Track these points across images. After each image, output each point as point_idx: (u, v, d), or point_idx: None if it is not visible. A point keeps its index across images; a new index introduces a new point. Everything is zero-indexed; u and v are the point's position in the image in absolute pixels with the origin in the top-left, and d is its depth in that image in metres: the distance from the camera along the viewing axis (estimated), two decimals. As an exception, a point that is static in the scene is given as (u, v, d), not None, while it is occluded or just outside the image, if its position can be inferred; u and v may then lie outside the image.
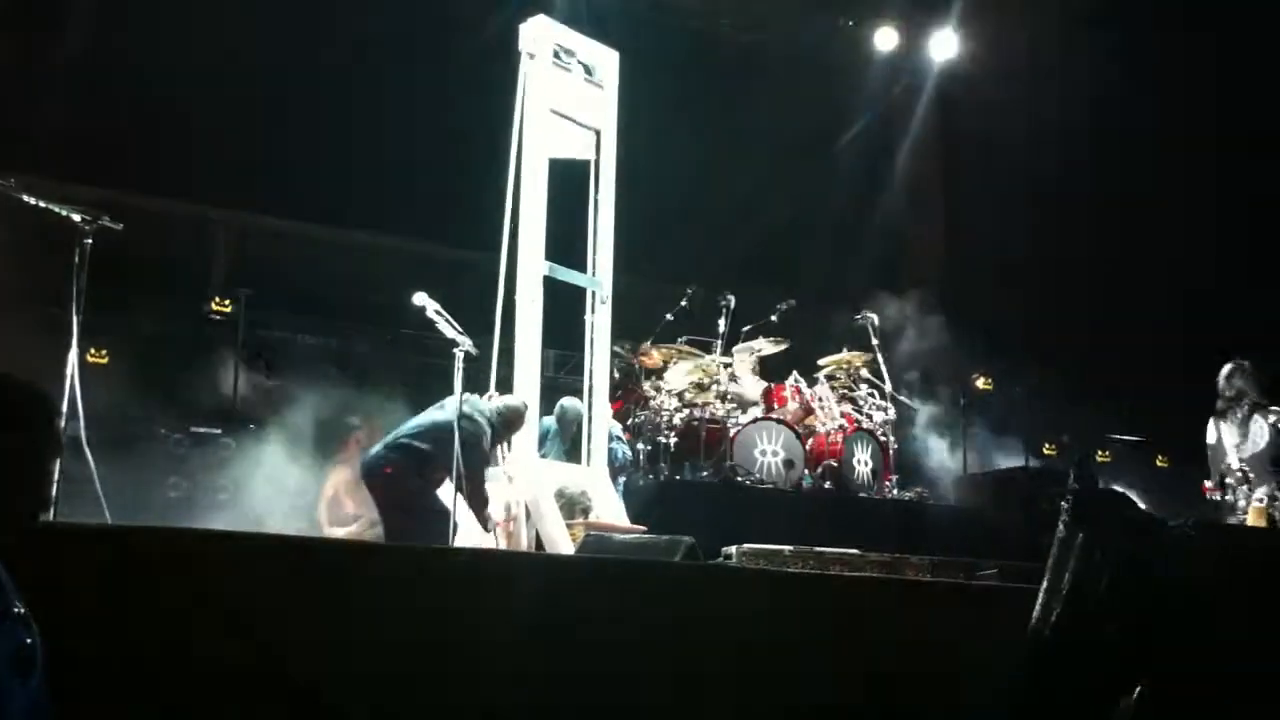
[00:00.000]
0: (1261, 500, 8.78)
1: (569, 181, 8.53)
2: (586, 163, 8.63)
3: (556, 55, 8.41)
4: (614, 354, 9.42)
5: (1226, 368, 8.86)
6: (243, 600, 4.15)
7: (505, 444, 7.75)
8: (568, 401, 9.16)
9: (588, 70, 8.58)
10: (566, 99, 8.42)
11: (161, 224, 10.39)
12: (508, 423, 7.62)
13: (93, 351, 9.27)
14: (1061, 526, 4.07)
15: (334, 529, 9.85)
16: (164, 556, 4.12)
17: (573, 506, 7.74)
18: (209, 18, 10.53)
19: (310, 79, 10.84)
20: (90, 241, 6.24)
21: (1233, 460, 8.78)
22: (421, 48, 11.66)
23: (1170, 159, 12.24)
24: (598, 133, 8.66)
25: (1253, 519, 8.85)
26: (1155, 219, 12.54)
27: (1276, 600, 4.10)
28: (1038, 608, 4.00)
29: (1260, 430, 8.65)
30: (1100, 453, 11.61)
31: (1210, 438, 8.94)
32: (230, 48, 10.72)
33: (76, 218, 6.24)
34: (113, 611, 3.87)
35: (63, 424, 5.82)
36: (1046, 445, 11.84)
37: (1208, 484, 8.96)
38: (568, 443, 8.98)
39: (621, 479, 9.25)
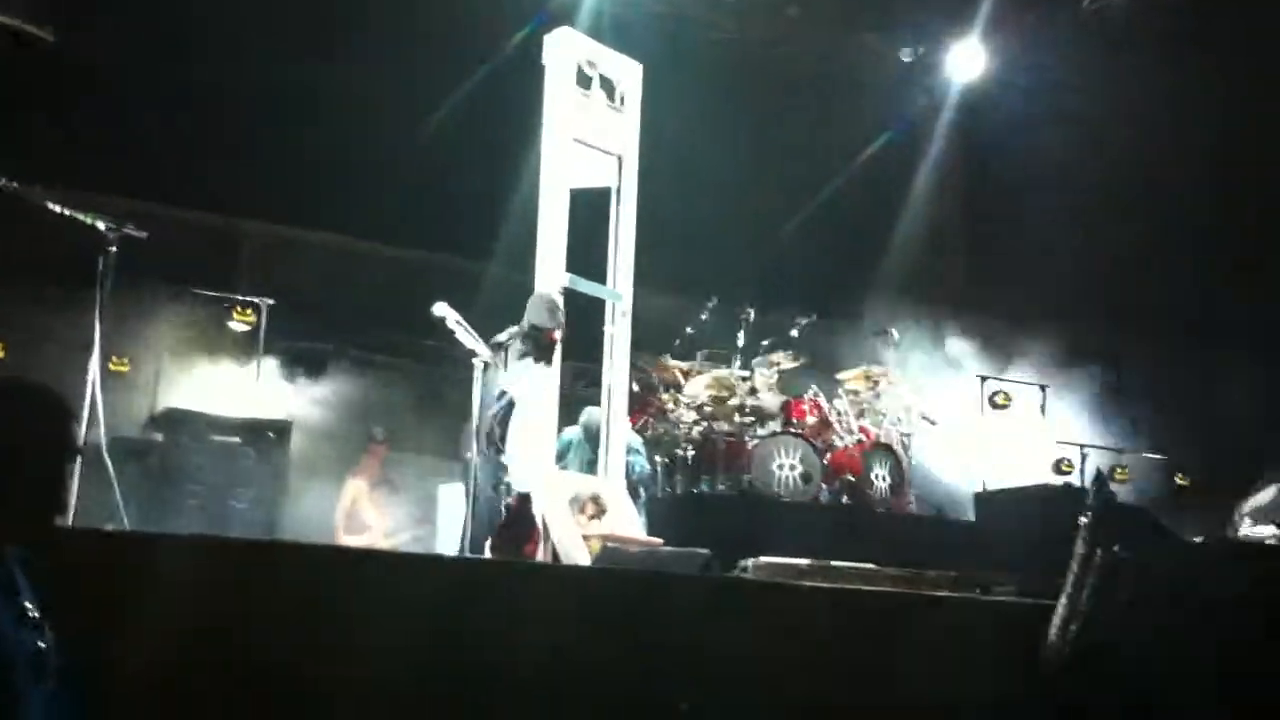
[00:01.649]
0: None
1: (590, 191, 8.55)
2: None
3: (580, 71, 8.43)
4: (633, 366, 9.41)
5: None
6: (263, 606, 4.17)
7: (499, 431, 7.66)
8: (597, 411, 9.10)
9: (610, 94, 8.59)
10: (588, 126, 8.43)
11: (185, 233, 10.42)
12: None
13: (114, 360, 9.32)
14: (1081, 543, 4.06)
15: (349, 538, 9.88)
16: (182, 564, 4.14)
17: (581, 500, 7.71)
18: (236, 29, 10.58)
19: (332, 89, 10.86)
20: (114, 250, 6.28)
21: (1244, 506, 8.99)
22: (449, 60, 11.69)
23: (1195, 175, 12.18)
24: (619, 158, 8.68)
25: None
26: (1182, 233, 12.47)
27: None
28: (1056, 623, 3.98)
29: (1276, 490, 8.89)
30: (1119, 470, 11.54)
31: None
32: (256, 60, 10.77)
33: (101, 226, 6.28)
34: (128, 617, 3.88)
35: (83, 430, 5.85)
36: (1065, 462, 11.76)
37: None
38: (594, 454, 8.95)
39: (643, 493, 9.23)
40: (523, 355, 7.41)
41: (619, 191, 8.65)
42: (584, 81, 8.41)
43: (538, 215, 8.08)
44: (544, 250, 8.02)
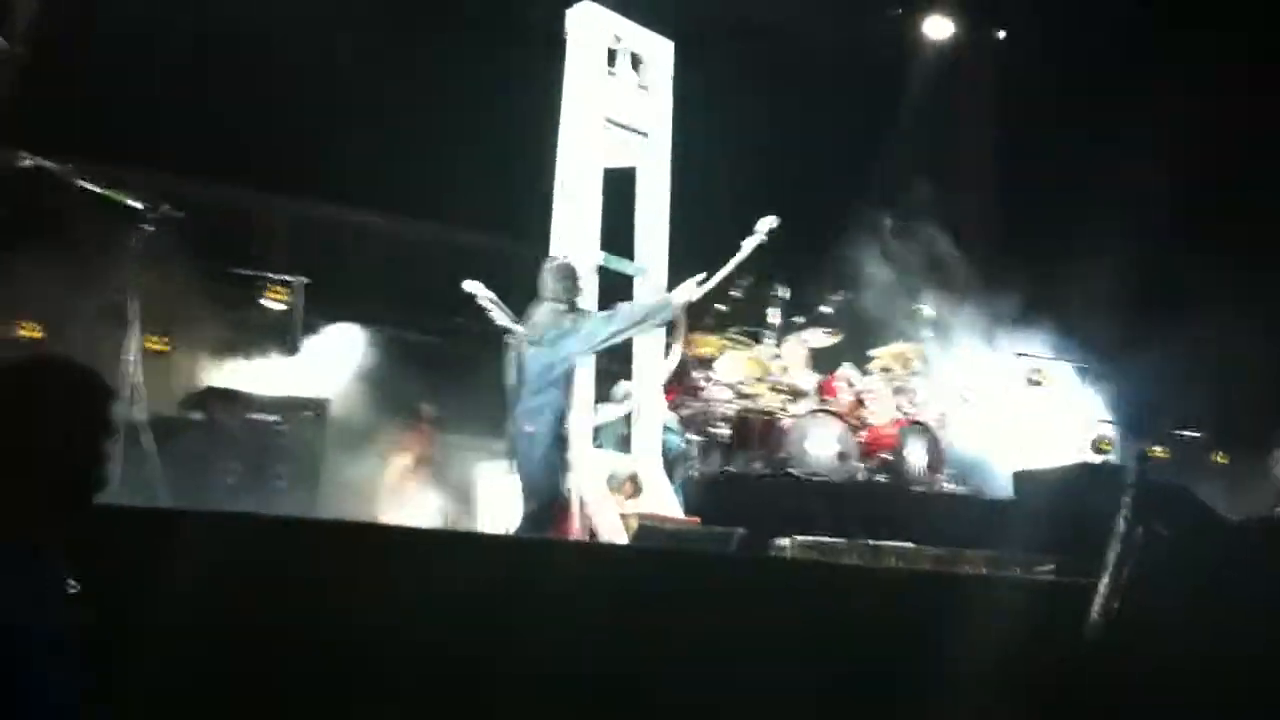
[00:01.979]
0: None
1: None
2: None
3: (607, 51, 8.37)
4: (666, 344, 9.39)
5: None
6: (304, 583, 4.18)
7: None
8: (629, 385, 9.07)
9: (637, 71, 8.51)
10: (617, 106, 8.38)
11: (221, 212, 10.46)
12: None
13: (152, 339, 9.36)
14: (1122, 521, 4.02)
15: (391, 514, 9.90)
16: (218, 541, 4.16)
17: (624, 482, 7.70)
18: (272, 8, 10.59)
19: (365, 66, 10.85)
20: (151, 228, 6.30)
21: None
22: (478, 36, 11.66)
23: (1230, 138, 12.00)
24: (647, 135, 8.61)
25: None
26: (1217, 198, 12.30)
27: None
28: (1097, 603, 3.95)
29: None
30: (1159, 449, 11.43)
31: None
32: (290, 38, 10.77)
33: (138, 205, 6.30)
34: (164, 594, 3.90)
35: (123, 408, 5.89)
36: (1104, 441, 11.65)
37: None
38: (628, 428, 8.92)
39: (679, 471, 9.23)
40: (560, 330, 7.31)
41: (649, 171, 8.60)
42: (610, 59, 8.34)
43: (554, 195, 8.04)
44: (573, 229, 7.98)
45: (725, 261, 8.32)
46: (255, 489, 8.47)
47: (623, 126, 8.45)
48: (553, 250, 7.91)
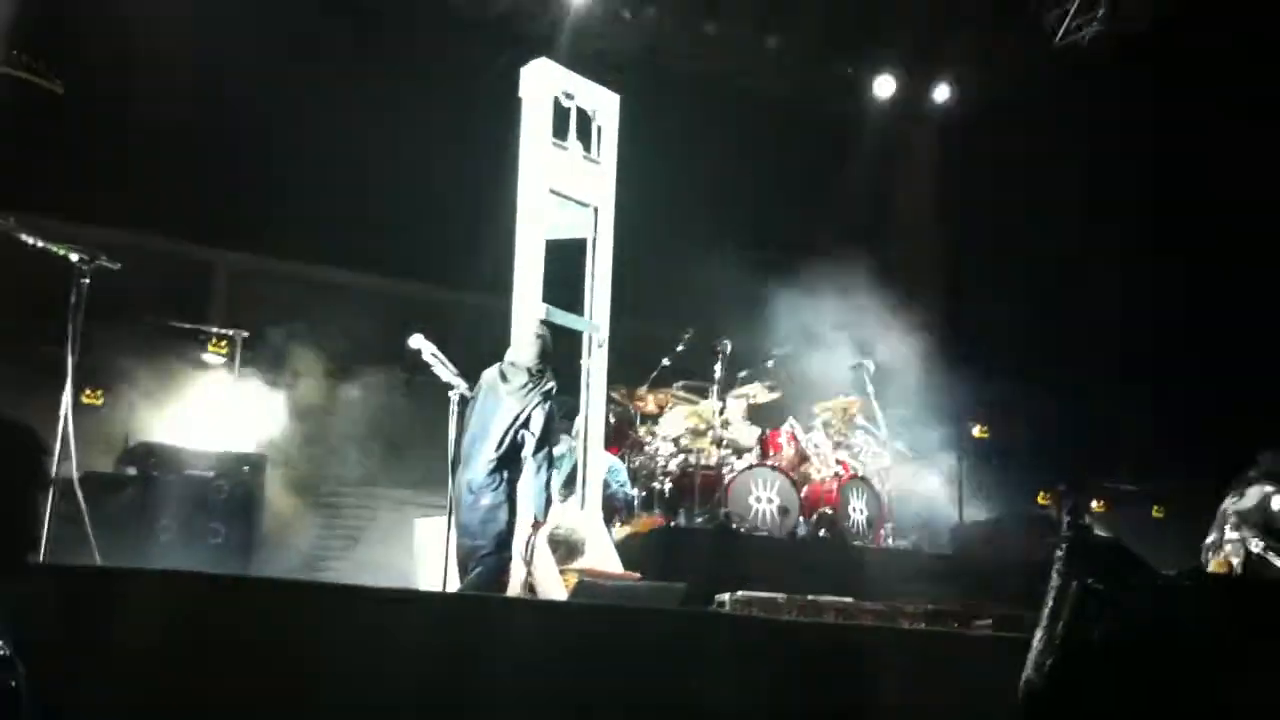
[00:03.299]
0: (1226, 549, 9.17)
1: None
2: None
3: (557, 104, 8.49)
4: (609, 398, 9.41)
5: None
6: (233, 642, 4.13)
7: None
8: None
9: (585, 144, 8.66)
10: (564, 179, 8.52)
11: (159, 264, 10.38)
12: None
13: (88, 392, 9.25)
14: (1056, 575, 4.05)
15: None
16: (151, 598, 4.10)
17: (566, 548, 7.70)
18: (211, 62, 10.57)
19: (307, 120, 10.84)
20: (88, 281, 6.24)
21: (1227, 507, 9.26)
22: (423, 91, 11.71)
23: (1165, 215, 12.28)
24: (595, 209, 8.73)
25: (1213, 567, 9.24)
26: (1162, 260, 12.55)
27: (1275, 651, 4.08)
28: (1031, 657, 3.97)
29: (1257, 493, 9.16)
30: (1096, 502, 11.57)
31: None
32: (231, 91, 10.77)
33: (74, 257, 6.24)
34: (99, 651, 3.84)
35: (54, 464, 5.80)
36: (1042, 494, 11.78)
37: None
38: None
39: (623, 516, 9.30)
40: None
41: (594, 242, 8.71)
42: (560, 131, 8.45)
43: (514, 257, 8.12)
44: (520, 290, 8.06)
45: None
46: (190, 546, 8.35)
47: (570, 199, 8.56)
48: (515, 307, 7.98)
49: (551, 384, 7.31)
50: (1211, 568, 9.38)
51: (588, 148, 8.72)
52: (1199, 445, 11.14)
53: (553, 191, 8.41)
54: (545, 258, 8.24)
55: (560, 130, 8.50)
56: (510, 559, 7.05)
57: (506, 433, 7.09)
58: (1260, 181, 11.37)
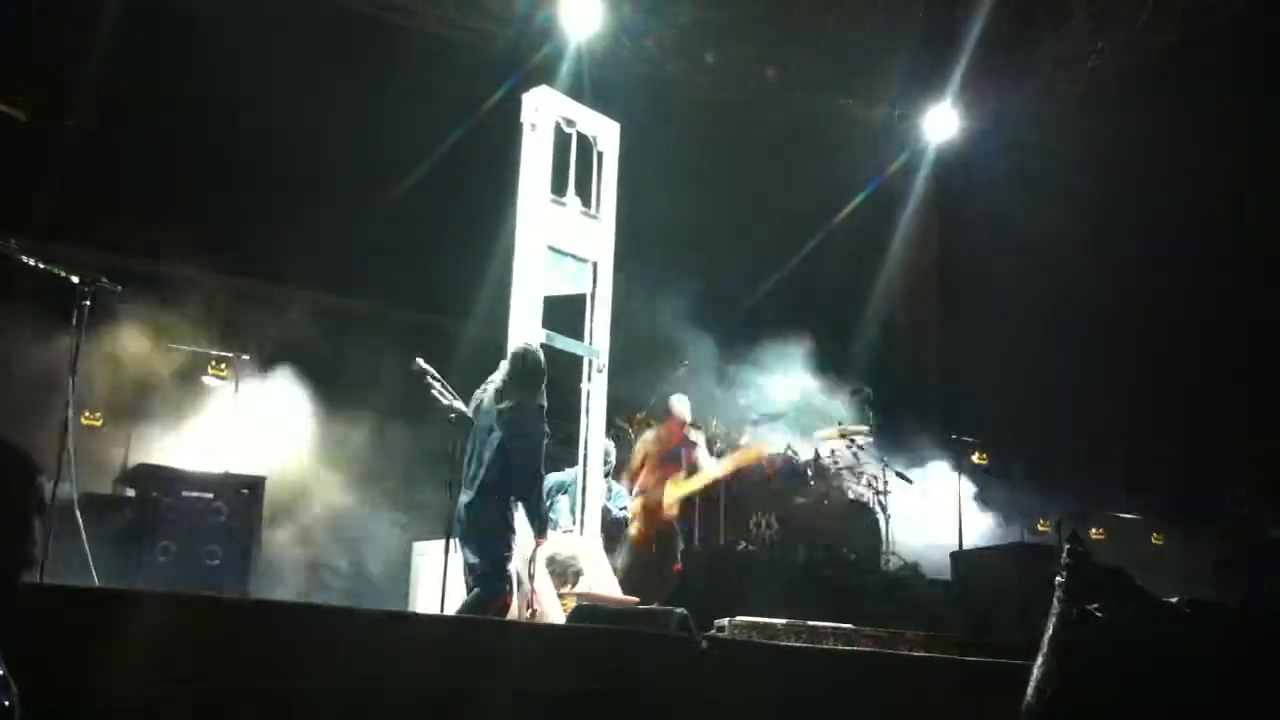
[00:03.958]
0: None
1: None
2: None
3: (558, 129, 8.51)
4: (610, 425, 9.41)
5: None
6: (233, 665, 4.11)
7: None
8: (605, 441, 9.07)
9: (584, 201, 8.67)
10: (563, 235, 8.51)
11: (160, 287, 10.39)
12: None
13: (87, 414, 9.25)
14: (1056, 602, 4.04)
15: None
16: (150, 620, 4.08)
17: (565, 572, 7.68)
18: (215, 85, 10.60)
19: (309, 145, 10.86)
20: (89, 303, 6.25)
21: None
22: (426, 118, 11.75)
23: (1167, 235, 12.31)
24: (595, 264, 8.74)
25: None
26: (1157, 292, 12.58)
27: (1268, 680, 4.07)
28: (1031, 685, 3.96)
29: None
30: (1095, 530, 11.55)
31: None
32: (235, 115, 10.80)
33: (75, 279, 6.25)
34: (97, 675, 3.82)
35: (53, 486, 5.79)
36: (1042, 521, 11.77)
37: None
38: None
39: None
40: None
41: (593, 296, 8.71)
42: (559, 187, 8.45)
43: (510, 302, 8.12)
44: (519, 303, 8.07)
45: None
46: (189, 567, 8.34)
47: (569, 255, 8.57)
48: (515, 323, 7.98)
49: (536, 403, 7.24)
50: None
51: (586, 203, 8.73)
52: (1199, 474, 11.15)
53: (551, 248, 8.41)
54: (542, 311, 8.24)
55: (559, 187, 8.49)
56: (510, 580, 7.03)
57: (499, 453, 7.07)
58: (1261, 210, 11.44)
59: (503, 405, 7.13)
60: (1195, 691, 3.96)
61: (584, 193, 8.70)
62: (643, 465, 9.28)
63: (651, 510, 9.04)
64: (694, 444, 9.35)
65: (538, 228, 8.30)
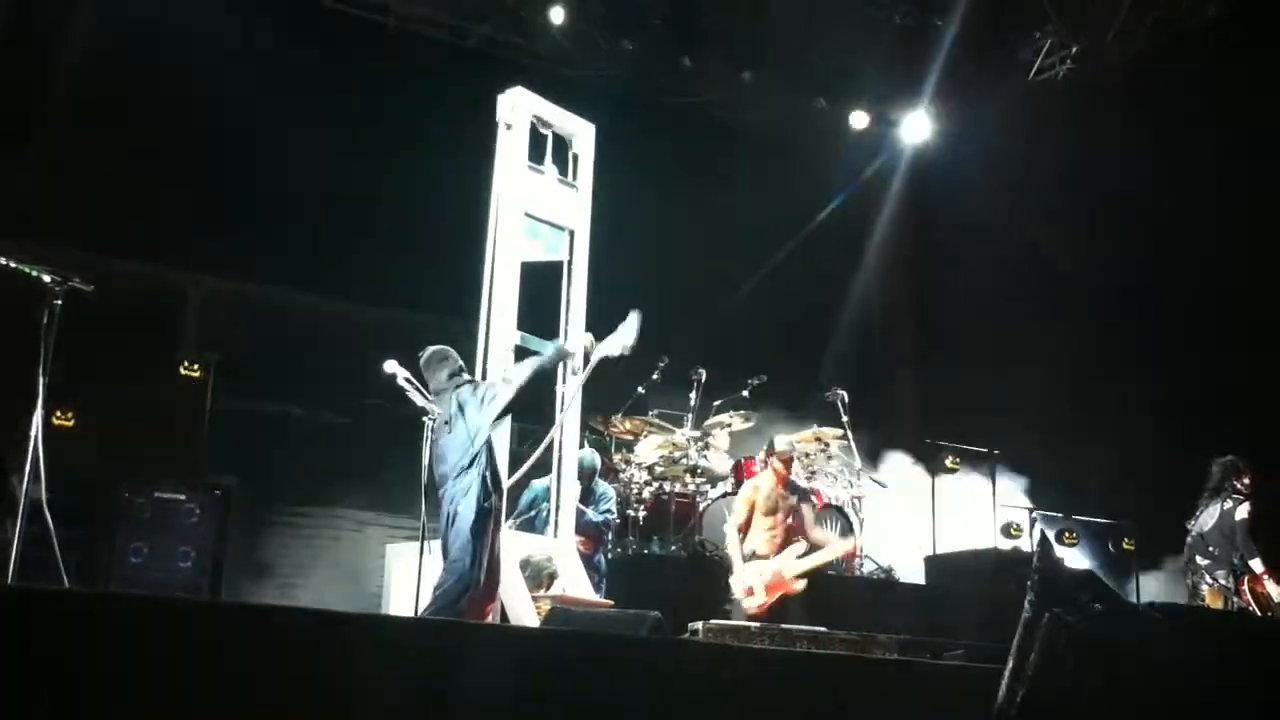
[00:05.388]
0: (1214, 583, 9.19)
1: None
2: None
3: (533, 129, 8.52)
4: (585, 426, 9.40)
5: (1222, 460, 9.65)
6: (205, 668, 4.09)
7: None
8: (582, 452, 9.06)
9: (561, 167, 8.69)
10: (540, 202, 8.53)
11: (132, 287, 10.33)
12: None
13: (58, 415, 9.17)
14: (1027, 607, 4.06)
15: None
16: (121, 622, 4.06)
17: (539, 574, 7.69)
18: (186, 83, 10.56)
19: (279, 145, 10.80)
20: (60, 303, 6.20)
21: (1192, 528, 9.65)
22: (396, 116, 11.71)
23: (1142, 240, 12.38)
24: (571, 233, 8.76)
25: (1209, 600, 9.24)
26: (1131, 297, 12.65)
27: (1242, 683, 4.10)
28: (1003, 689, 3.98)
29: (1214, 511, 9.28)
30: (1067, 534, 11.61)
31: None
32: (206, 112, 10.76)
33: (47, 278, 6.20)
34: (68, 677, 3.80)
35: (23, 485, 5.76)
36: (1014, 526, 11.81)
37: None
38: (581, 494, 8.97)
39: (609, 537, 9.33)
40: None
41: (569, 265, 8.73)
42: (536, 155, 8.49)
43: (484, 279, 8.13)
44: (495, 302, 8.08)
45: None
46: (161, 568, 8.29)
47: (545, 222, 8.59)
48: (482, 329, 8.00)
49: (464, 379, 7.41)
50: (1206, 599, 9.38)
51: (564, 172, 8.75)
52: (1169, 477, 11.19)
53: (528, 215, 8.42)
54: (519, 284, 8.23)
55: (536, 155, 8.53)
56: (479, 579, 7.02)
57: (465, 452, 7.11)
58: (1237, 220, 11.51)
59: (441, 392, 7.32)
60: (1167, 696, 3.99)
61: (560, 162, 8.72)
62: (749, 517, 8.90)
63: (775, 586, 8.66)
64: (799, 493, 9.16)
65: (515, 194, 8.30)
